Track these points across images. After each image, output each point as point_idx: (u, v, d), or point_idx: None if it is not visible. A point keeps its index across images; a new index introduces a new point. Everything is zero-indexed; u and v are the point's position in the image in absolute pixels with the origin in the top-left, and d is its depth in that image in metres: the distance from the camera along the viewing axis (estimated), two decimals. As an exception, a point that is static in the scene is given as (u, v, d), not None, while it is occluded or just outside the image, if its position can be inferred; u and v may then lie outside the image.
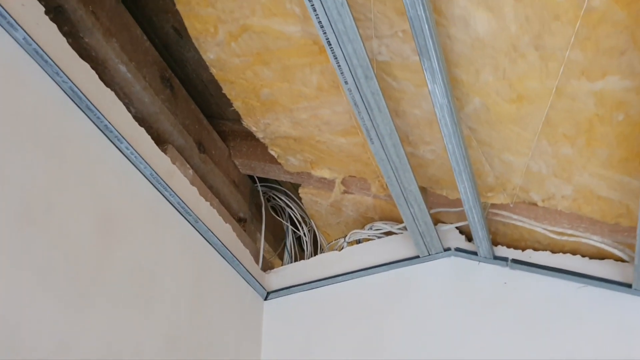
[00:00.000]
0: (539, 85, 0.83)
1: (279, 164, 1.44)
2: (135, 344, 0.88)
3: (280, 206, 1.73)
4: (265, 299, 1.41)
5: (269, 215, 1.67)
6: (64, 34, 1.00)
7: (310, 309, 1.35)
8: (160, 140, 1.29)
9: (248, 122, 1.29)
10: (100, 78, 1.06)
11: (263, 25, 0.99)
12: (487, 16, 0.77)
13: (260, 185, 1.69)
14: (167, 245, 1.04)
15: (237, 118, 1.61)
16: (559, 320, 1.13)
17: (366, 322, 1.29)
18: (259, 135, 1.32)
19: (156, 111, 1.30)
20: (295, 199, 1.71)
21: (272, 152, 1.37)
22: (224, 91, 1.23)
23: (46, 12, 0.91)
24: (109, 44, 1.16)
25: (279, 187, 1.74)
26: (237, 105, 1.25)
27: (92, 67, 1.04)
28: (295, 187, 1.68)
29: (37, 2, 0.86)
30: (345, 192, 1.39)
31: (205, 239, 1.19)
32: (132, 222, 0.94)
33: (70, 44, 0.98)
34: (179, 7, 1.06)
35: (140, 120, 1.23)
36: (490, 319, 1.17)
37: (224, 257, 1.25)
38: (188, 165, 1.30)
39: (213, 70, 1.18)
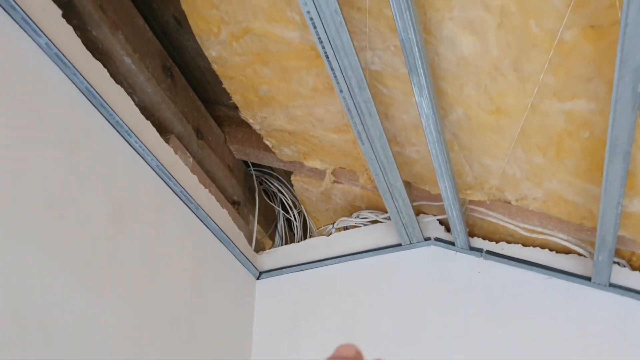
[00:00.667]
0: (516, 101, 0.91)
1: (273, 152, 1.51)
2: (143, 323, 0.97)
3: (272, 190, 1.81)
4: (258, 279, 1.51)
5: (262, 199, 1.75)
6: (73, 27, 1.06)
7: (300, 289, 1.45)
8: (161, 129, 1.35)
9: (245, 115, 1.36)
10: (107, 70, 1.12)
11: (264, 29, 1.06)
12: (472, 39, 0.85)
13: (254, 170, 1.77)
14: (170, 231, 1.13)
15: (233, 105, 1.68)
16: (527, 308, 1.24)
17: (351, 303, 1.40)
18: (256, 127, 1.39)
19: (158, 100, 1.36)
20: (287, 184, 1.79)
21: (267, 142, 1.45)
22: (223, 85, 1.30)
23: (58, 6, 0.96)
24: (114, 36, 1.21)
25: (272, 172, 1.82)
26: (236, 99, 1.32)
27: (99, 59, 1.10)
28: (286, 173, 1.76)
29: (55, 6, 0.91)
30: (335, 181, 1.48)
31: (204, 224, 1.28)
32: (140, 211, 1.02)
33: (78, 36, 1.04)
34: (183, 6, 1.12)
35: (143, 109, 1.29)
36: (464, 305, 1.28)
37: (220, 241, 1.34)
38: (188, 153, 1.37)
39: (214, 66, 1.24)
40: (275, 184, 1.79)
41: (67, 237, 0.82)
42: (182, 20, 1.52)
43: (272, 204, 1.78)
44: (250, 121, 1.38)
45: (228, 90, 1.31)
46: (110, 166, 0.95)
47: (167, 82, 1.40)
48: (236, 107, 1.72)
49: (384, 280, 1.39)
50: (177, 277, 1.12)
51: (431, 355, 1.25)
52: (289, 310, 1.43)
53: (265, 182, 1.82)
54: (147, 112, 1.31)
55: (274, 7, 0.99)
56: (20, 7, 0.79)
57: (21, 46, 0.81)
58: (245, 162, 1.76)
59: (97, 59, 1.08)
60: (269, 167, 1.83)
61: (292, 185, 1.75)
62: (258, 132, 1.42)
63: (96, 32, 1.19)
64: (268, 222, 1.94)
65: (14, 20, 0.80)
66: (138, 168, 1.04)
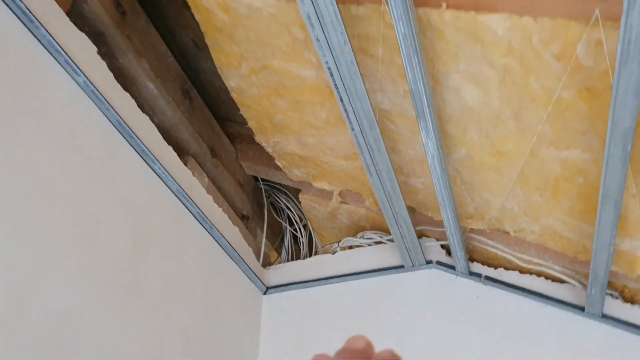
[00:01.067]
0: (515, 147, 0.98)
1: (283, 171, 1.58)
2: (161, 339, 1.04)
3: (280, 206, 1.88)
4: (264, 294, 1.57)
5: (269, 214, 1.82)
6: (102, 55, 1.13)
7: (305, 305, 1.52)
8: (178, 149, 1.42)
9: (259, 139, 1.43)
10: (130, 94, 1.18)
11: (282, 67, 1.12)
12: (476, 90, 0.91)
13: (262, 185, 1.83)
14: (187, 252, 1.19)
15: (245, 122, 1.74)
16: (522, 334, 1.30)
17: (354, 321, 1.46)
18: (268, 149, 1.46)
19: (177, 122, 1.43)
20: (294, 199, 1.86)
21: (279, 163, 1.52)
22: (240, 112, 1.36)
23: (88, 36, 1.03)
24: (139, 64, 1.29)
25: (280, 187, 1.89)
26: (251, 124, 1.38)
27: (123, 85, 1.16)
28: (294, 188, 1.83)
29: (92, 44, 0.98)
30: (341, 202, 1.55)
31: (218, 243, 1.34)
32: (160, 233, 1.09)
33: (106, 63, 1.10)
34: (207, 41, 1.19)
35: (162, 130, 1.36)
36: (463, 328, 1.35)
37: (231, 258, 1.41)
38: (204, 173, 1.44)
39: (232, 94, 1.31)
40: (283, 199, 1.86)
41: (95, 260, 0.89)
42: (200, 44, 1.59)
43: (280, 219, 1.85)
44: (264, 144, 1.45)
45: (244, 116, 1.37)
46: (136, 193, 1.02)
47: (185, 104, 1.47)
48: (247, 124, 1.79)
49: (387, 301, 1.46)
50: (191, 294, 1.19)
51: (429, 375, 1.31)
52: (295, 326, 1.50)
53: (273, 197, 1.89)
54: (165, 133, 1.38)
55: (292, 48, 1.06)
56: (64, 50, 0.86)
57: (63, 86, 0.88)
58: (254, 176, 1.83)
59: (121, 84, 1.15)
60: (277, 182, 1.90)
61: (299, 201, 1.81)
62: (270, 154, 1.49)
63: (122, 60, 1.26)
64: (274, 235, 2.00)
65: (58, 62, 0.87)
66: (160, 193, 1.10)
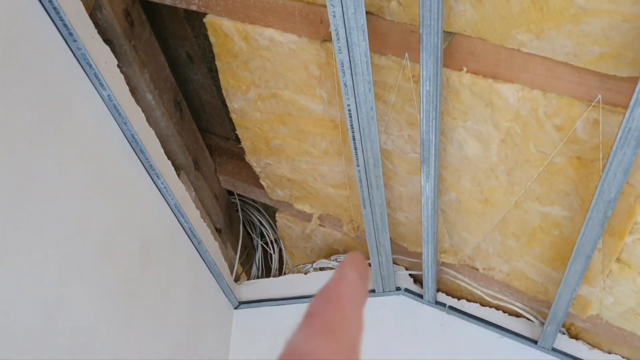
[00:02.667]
0: (503, 197, 1.08)
1: (262, 188, 1.62)
2: (155, 347, 1.06)
3: (252, 220, 1.91)
4: (235, 308, 1.61)
5: (243, 228, 1.85)
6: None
7: (276, 322, 1.57)
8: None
9: (250, 159, 1.47)
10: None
11: (292, 98, 1.18)
12: (477, 145, 1.01)
13: (237, 199, 1.86)
14: (178, 265, 1.21)
15: (224, 135, 1.77)
16: (479, 361, 1.42)
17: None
18: (257, 169, 1.50)
19: (168, 134, 1.44)
20: (266, 216, 1.90)
21: (263, 183, 1.56)
22: (237, 132, 1.40)
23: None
24: (142, 75, 1.30)
25: (252, 202, 1.92)
26: (245, 144, 1.42)
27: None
28: (266, 205, 1.87)
29: (113, 57, 0.99)
30: (320, 225, 1.61)
31: (201, 257, 1.37)
32: (160, 248, 1.11)
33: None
34: (218, 63, 1.22)
35: (155, 142, 1.37)
36: (427, 354, 1.45)
37: (211, 272, 1.44)
38: (192, 187, 1.46)
39: (232, 115, 1.35)
40: (256, 215, 1.89)
41: (108, 273, 0.90)
42: (194, 58, 1.62)
43: (253, 235, 1.88)
44: (253, 164, 1.49)
45: (240, 136, 1.41)
46: (143, 209, 1.04)
47: (176, 116, 1.49)
48: (227, 138, 1.82)
49: (355, 322, 1.53)
50: (178, 306, 1.21)
51: (394, 397, 1.40)
52: (264, 342, 1.54)
53: (246, 211, 1.92)
54: (158, 145, 1.39)
55: (305, 83, 1.12)
56: (95, 64, 0.87)
57: (91, 100, 0.89)
58: (228, 190, 1.85)
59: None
60: (252, 198, 1.93)
61: (271, 217, 1.85)
62: (257, 174, 1.53)
63: (126, 69, 1.27)
64: (242, 250, 2.03)
65: (88, 76, 0.88)
66: (161, 208, 1.12)
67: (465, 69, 0.90)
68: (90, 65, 0.88)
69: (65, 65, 0.84)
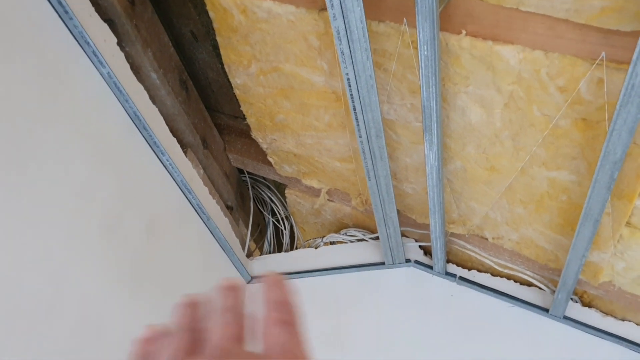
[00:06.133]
0: (508, 163, 1.07)
1: (271, 165, 1.63)
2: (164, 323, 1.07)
3: (262, 198, 1.92)
4: (248, 283, 1.62)
5: (254, 206, 1.86)
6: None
7: (287, 297, 1.58)
8: (176, 139, 1.44)
9: (256, 135, 1.47)
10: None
11: (293, 71, 1.17)
12: (480, 111, 1.00)
13: (247, 177, 1.87)
14: (187, 241, 1.23)
15: (233, 114, 1.77)
16: (491, 330, 1.42)
17: (333, 313, 1.54)
18: (263, 146, 1.50)
19: (175, 112, 1.45)
20: (277, 193, 1.91)
21: (270, 159, 1.56)
22: (241, 109, 1.40)
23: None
24: (145, 54, 1.30)
25: (263, 179, 1.93)
26: (251, 120, 1.42)
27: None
28: (276, 182, 1.88)
29: (113, 35, 0.99)
30: (328, 200, 1.61)
31: (212, 233, 1.38)
32: (167, 225, 1.12)
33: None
34: (218, 38, 1.21)
35: (161, 120, 1.37)
36: (437, 324, 1.45)
37: (222, 248, 1.45)
38: (199, 165, 1.47)
39: (236, 91, 1.34)
40: (267, 192, 1.90)
41: (116, 250, 0.92)
42: (198, 36, 1.61)
43: (264, 212, 1.89)
44: (260, 141, 1.49)
45: (245, 113, 1.41)
46: (149, 186, 1.05)
47: (182, 95, 1.49)
48: (235, 117, 1.81)
49: (367, 295, 1.54)
50: (188, 281, 1.23)
51: (405, 367, 1.41)
52: (277, 316, 1.56)
53: (257, 189, 1.93)
54: (164, 123, 1.40)
55: (306, 55, 1.11)
56: (93, 41, 0.88)
57: (90, 78, 0.89)
58: (239, 168, 1.86)
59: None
60: (262, 176, 1.94)
61: (282, 195, 1.86)
62: (264, 150, 1.53)
63: (129, 49, 1.27)
64: (253, 226, 2.05)
65: (86, 54, 0.89)
66: (167, 185, 1.13)
67: (464, 32, 0.88)
68: (88, 43, 0.89)
69: (62, 43, 0.85)
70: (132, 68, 1.28)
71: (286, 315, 0.37)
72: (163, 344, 0.34)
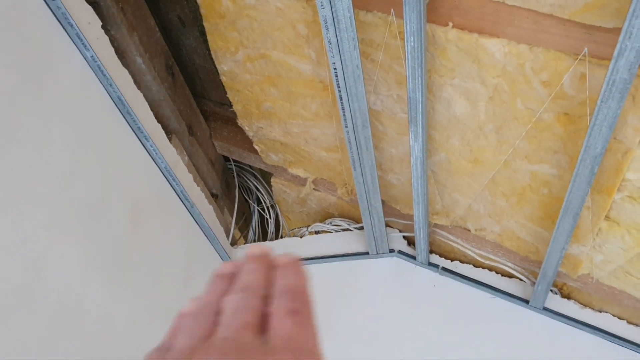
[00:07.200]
0: (492, 156, 1.08)
1: (257, 153, 1.62)
2: (146, 309, 1.08)
3: (248, 186, 1.92)
4: (232, 271, 1.62)
5: (239, 194, 1.86)
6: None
7: (271, 285, 1.58)
8: (160, 125, 1.43)
9: (242, 123, 1.46)
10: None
11: (280, 58, 1.17)
12: (465, 104, 1.00)
13: (233, 165, 1.87)
14: (170, 227, 1.23)
15: (219, 101, 1.76)
16: (472, 321, 1.44)
17: (317, 302, 1.54)
18: (249, 133, 1.50)
19: (160, 98, 1.44)
20: (262, 181, 1.90)
21: (257, 147, 1.56)
22: (227, 95, 1.39)
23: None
24: (131, 38, 1.28)
25: (249, 168, 1.92)
26: (237, 108, 1.42)
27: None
28: (262, 170, 1.87)
29: (97, 18, 0.98)
30: (314, 189, 1.61)
31: (196, 221, 1.38)
32: (151, 211, 1.11)
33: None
34: (205, 24, 1.20)
35: (146, 106, 1.36)
36: (420, 313, 1.47)
37: (206, 236, 1.45)
38: (184, 152, 1.46)
39: (223, 78, 1.33)
40: (253, 181, 1.90)
41: (98, 233, 0.91)
42: (186, 22, 1.59)
43: (249, 200, 1.89)
44: (246, 128, 1.48)
45: (231, 100, 1.40)
46: (132, 171, 1.04)
47: (168, 81, 1.48)
48: (222, 104, 1.80)
49: (350, 284, 1.55)
50: (171, 268, 1.23)
51: (387, 355, 1.42)
52: (261, 303, 1.56)
53: (242, 177, 1.93)
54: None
55: (293, 43, 1.11)
56: (76, 24, 0.86)
57: (73, 60, 0.88)
58: (224, 156, 1.85)
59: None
60: (249, 164, 1.93)
61: (267, 183, 1.86)
62: (250, 138, 1.52)
63: (114, 32, 1.26)
64: (239, 215, 2.05)
65: (69, 36, 0.87)
66: (151, 171, 1.13)
67: (450, 24, 0.88)
68: (72, 25, 0.87)
69: (44, 25, 0.83)
70: (117, 52, 1.27)
71: (299, 305, 0.34)
72: (186, 323, 0.33)
